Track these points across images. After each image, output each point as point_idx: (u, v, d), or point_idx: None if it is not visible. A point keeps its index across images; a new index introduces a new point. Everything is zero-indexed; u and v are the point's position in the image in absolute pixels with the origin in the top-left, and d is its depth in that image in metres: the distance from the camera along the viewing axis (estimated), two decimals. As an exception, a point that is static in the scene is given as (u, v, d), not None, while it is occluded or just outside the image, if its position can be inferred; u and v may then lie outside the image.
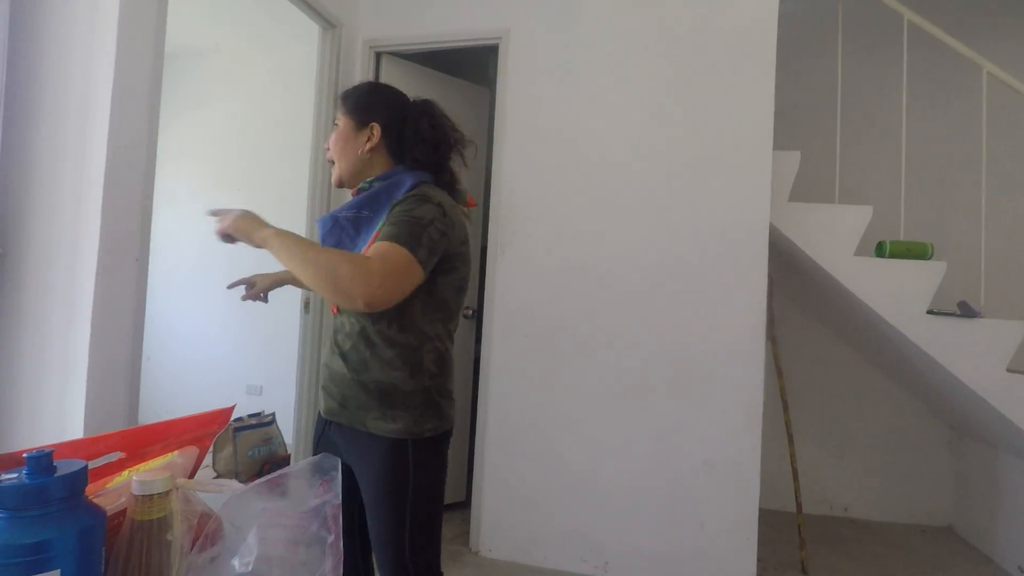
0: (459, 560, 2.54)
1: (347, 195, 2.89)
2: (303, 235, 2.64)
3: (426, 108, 1.31)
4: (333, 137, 1.30)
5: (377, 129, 1.26)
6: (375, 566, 1.27)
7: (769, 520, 2.93)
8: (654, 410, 2.43)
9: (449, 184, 1.31)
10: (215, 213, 1.21)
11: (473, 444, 2.72)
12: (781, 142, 2.47)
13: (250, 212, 1.19)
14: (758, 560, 2.33)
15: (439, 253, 1.17)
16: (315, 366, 2.65)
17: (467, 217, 1.31)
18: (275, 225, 1.16)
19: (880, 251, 2.53)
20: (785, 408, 2.74)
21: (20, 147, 1.58)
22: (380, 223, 1.18)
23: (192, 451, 0.66)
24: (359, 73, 2.82)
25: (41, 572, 0.42)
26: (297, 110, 3.24)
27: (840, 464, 3.38)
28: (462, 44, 2.78)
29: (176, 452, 0.65)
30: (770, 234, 2.40)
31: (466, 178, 3.17)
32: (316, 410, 2.65)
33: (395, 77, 2.91)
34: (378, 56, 2.86)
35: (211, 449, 3.12)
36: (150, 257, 1.72)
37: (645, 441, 2.43)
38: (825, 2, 2.87)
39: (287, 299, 3.43)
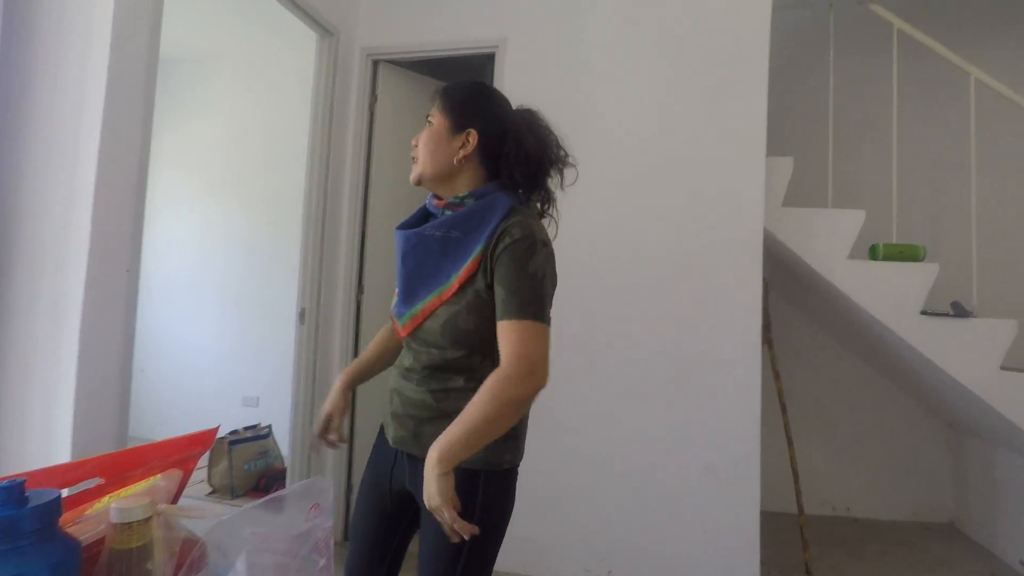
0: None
1: (341, 204, 2.84)
2: (300, 243, 2.66)
3: (531, 120, 1.21)
4: (425, 135, 1.18)
5: (474, 136, 1.15)
6: None
7: (771, 522, 2.91)
8: (654, 415, 2.42)
9: (542, 207, 1.23)
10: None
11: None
12: (775, 148, 2.48)
13: (432, 479, 1.02)
14: (761, 563, 2.32)
15: (551, 297, 1.13)
16: (311, 376, 2.63)
17: None
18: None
19: (873, 254, 2.54)
20: (783, 411, 2.73)
21: (9, 154, 1.55)
22: (476, 250, 1.10)
23: (175, 474, 0.65)
24: (356, 81, 2.82)
25: (12, 609, 0.41)
26: (294, 118, 3.23)
27: (841, 464, 3.38)
28: (459, 52, 2.78)
29: (159, 476, 0.63)
30: (765, 239, 2.40)
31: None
32: (309, 422, 2.64)
33: (392, 85, 2.91)
34: (375, 64, 2.86)
35: (206, 463, 3.11)
36: (143, 267, 1.70)
37: (646, 446, 2.42)
38: (818, 11, 2.89)
39: (283, 308, 3.43)
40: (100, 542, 0.53)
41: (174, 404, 3.99)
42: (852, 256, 2.49)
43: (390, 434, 1.21)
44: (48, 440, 1.42)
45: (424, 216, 1.23)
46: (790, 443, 2.73)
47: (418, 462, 1.13)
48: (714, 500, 2.35)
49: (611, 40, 2.56)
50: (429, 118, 1.20)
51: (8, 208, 1.54)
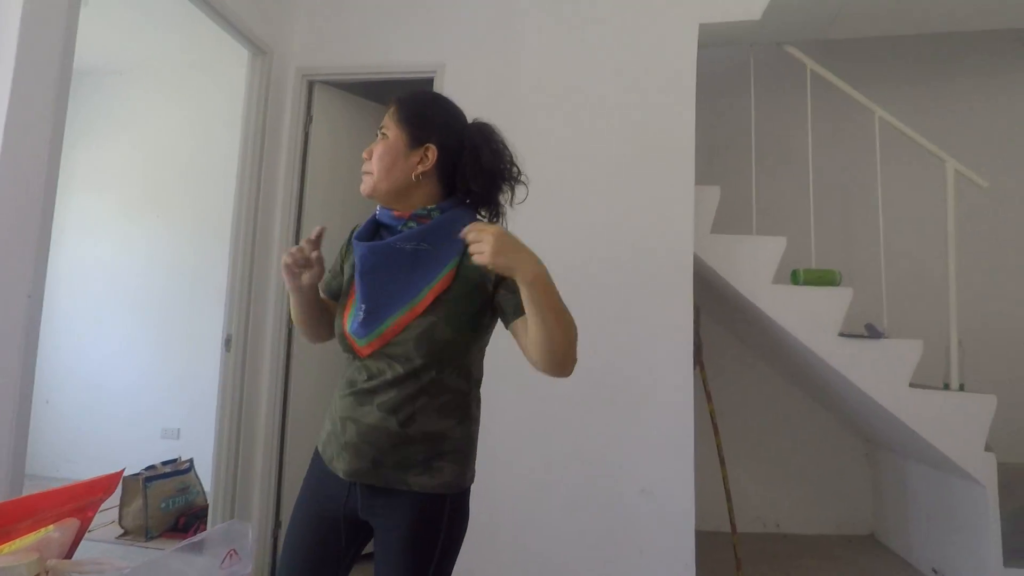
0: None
1: (273, 226, 2.75)
2: (227, 266, 2.54)
3: (487, 134, 1.20)
4: (380, 148, 1.14)
5: (433, 152, 1.13)
6: None
7: (706, 542, 2.96)
8: (589, 439, 2.44)
9: (491, 222, 1.21)
10: (470, 231, 1.01)
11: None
12: (703, 177, 2.59)
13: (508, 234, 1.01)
14: (696, 583, 2.36)
15: None
16: (237, 407, 2.50)
17: None
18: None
19: (795, 279, 2.68)
20: (716, 431, 2.81)
21: None
22: (450, 263, 1.10)
23: (72, 523, 0.59)
24: (291, 101, 2.75)
25: None
26: (223, 135, 3.11)
27: (770, 482, 3.50)
28: (398, 76, 2.77)
29: (52, 527, 0.57)
30: (695, 263, 2.49)
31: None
32: (234, 454, 2.49)
33: (328, 106, 2.86)
34: (311, 84, 2.81)
35: (118, 502, 2.87)
36: (52, 290, 1.57)
37: (581, 470, 2.43)
38: (740, 50, 3.07)
39: (208, 335, 3.25)
40: (-23, 606, 0.47)
41: (85, 438, 3.69)
42: (775, 281, 2.62)
43: (341, 467, 1.11)
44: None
45: (377, 227, 1.18)
46: (722, 463, 2.80)
47: (378, 492, 1.09)
48: (650, 522, 2.37)
49: (546, 71, 2.63)
50: (383, 130, 1.16)
51: None
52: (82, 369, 3.80)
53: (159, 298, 3.81)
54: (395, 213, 1.14)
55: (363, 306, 1.11)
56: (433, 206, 1.14)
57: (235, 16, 2.37)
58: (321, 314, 1.24)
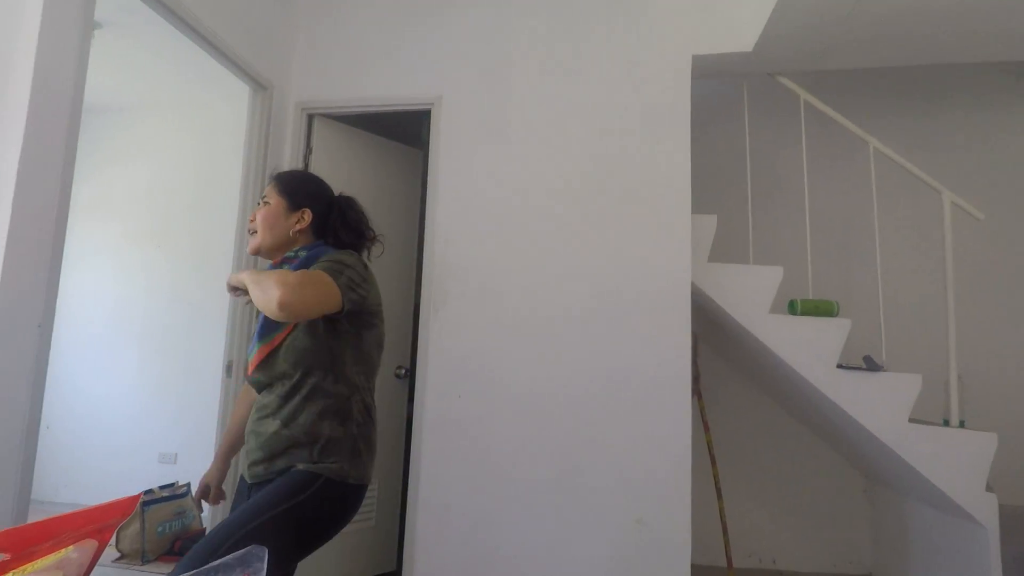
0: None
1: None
2: (228, 296, 2.57)
3: (351, 203, 1.49)
4: (264, 212, 1.41)
5: (308, 214, 1.42)
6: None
7: (701, 576, 2.94)
8: (585, 467, 2.44)
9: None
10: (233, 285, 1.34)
11: (404, 509, 2.62)
12: (699, 206, 2.63)
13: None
14: (691, 618, 2.33)
15: (360, 295, 1.30)
16: (236, 432, 2.50)
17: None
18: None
19: (792, 309, 2.71)
20: (713, 463, 2.81)
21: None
22: None
23: (90, 544, 0.61)
24: (291, 134, 2.82)
25: None
26: (224, 169, 3.18)
27: (767, 516, 3.46)
28: (395, 108, 2.84)
29: (71, 548, 0.60)
30: (693, 292, 2.52)
31: (399, 238, 3.19)
32: (236, 480, 2.49)
33: (328, 138, 2.92)
34: (310, 118, 2.88)
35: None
36: (59, 311, 1.61)
37: (577, 499, 2.43)
38: (734, 81, 3.15)
39: (207, 361, 3.27)
40: (0, 625, 0.49)
41: (82, 462, 3.69)
42: (773, 310, 2.64)
43: (247, 473, 1.32)
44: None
45: None
46: (719, 495, 2.79)
47: (263, 486, 1.28)
48: (646, 553, 2.36)
49: (542, 101, 2.70)
50: (265, 199, 1.43)
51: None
52: (82, 395, 3.82)
53: (159, 326, 3.84)
54: (272, 262, 1.42)
55: (255, 332, 1.37)
56: (300, 247, 1.41)
57: (235, 54, 2.44)
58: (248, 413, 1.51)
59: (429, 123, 2.80)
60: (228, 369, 2.51)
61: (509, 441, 2.50)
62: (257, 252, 1.42)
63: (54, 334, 1.60)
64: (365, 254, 1.49)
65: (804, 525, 3.43)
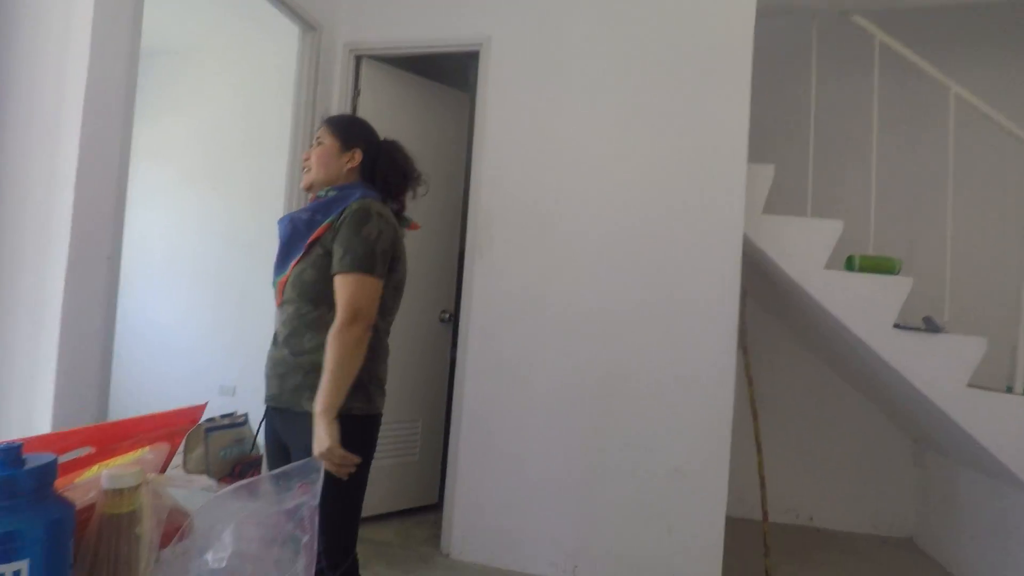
0: (430, 562, 2.53)
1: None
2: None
3: (396, 146, 1.57)
4: (318, 151, 1.49)
5: (359, 154, 1.51)
6: None
7: (736, 528, 2.97)
8: (626, 416, 2.46)
9: (398, 211, 1.54)
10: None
11: (446, 447, 2.72)
12: (756, 155, 2.53)
13: (315, 432, 1.27)
14: (724, 567, 2.37)
15: (387, 257, 1.38)
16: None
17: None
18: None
19: (850, 265, 2.60)
20: (755, 417, 2.79)
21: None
22: (326, 222, 1.39)
23: (163, 447, 0.66)
24: (339, 76, 2.82)
25: (10, 562, 0.42)
26: (275, 111, 3.21)
27: (807, 473, 3.44)
28: (443, 50, 2.79)
29: (147, 448, 0.64)
30: (744, 245, 2.45)
31: (444, 182, 3.19)
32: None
33: (375, 81, 2.91)
34: (358, 59, 2.86)
35: (182, 449, 3.07)
36: (125, 251, 1.70)
37: (617, 447, 2.46)
38: (800, 21, 2.95)
39: (261, 299, 3.40)
40: (90, 508, 0.54)
41: (150, 392, 3.94)
42: (829, 266, 2.55)
43: (265, 394, 1.44)
44: (28, 424, 1.42)
45: None
46: (759, 449, 2.78)
47: (283, 413, 1.40)
48: (681, 503, 2.39)
49: (593, 44, 2.59)
50: (319, 139, 1.51)
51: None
52: (147, 330, 4.04)
53: (216, 265, 3.99)
54: (310, 199, 1.51)
55: (274, 264, 1.48)
56: (331, 187, 1.47)
57: (286, -5, 2.44)
58: None
59: (477, 66, 2.74)
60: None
61: (550, 386, 2.54)
62: (310, 187, 1.51)
63: (121, 273, 1.69)
64: (411, 194, 1.57)
65: (845, 485, 3.40)
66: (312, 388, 1.31)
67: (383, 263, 1.36)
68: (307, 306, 1.38)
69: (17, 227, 1.51)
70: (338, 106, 2.80)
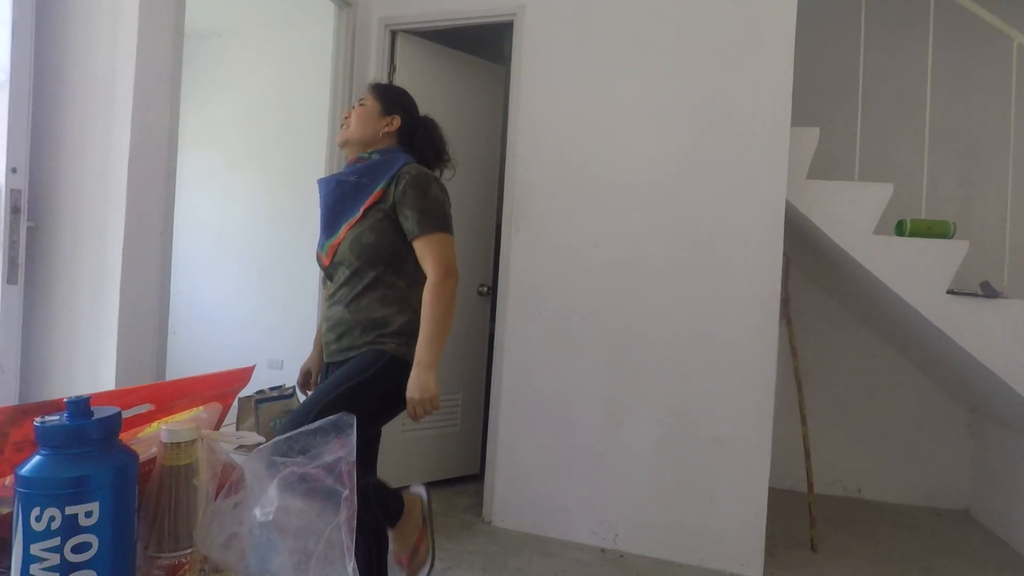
0: (472, 529, 2.61)
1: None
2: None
3: (435, 124, 1.64)
4: (359, 111, 1.55)
5: (397, 121, 1.56)
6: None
7: (781, 500, 2.94)
8: (666, 386, 2.46)
9: None
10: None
11: (487, 418, 2.77)
12: (801, 118, 2.44)
13: (417, 378, 1.38)
14: (767, 537, 2.36)
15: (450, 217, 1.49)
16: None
17: None
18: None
19: (900, 230, 2.50)
20: (799, 387, 2.74)
21: (50, 127, 1.64)
22: (379, 186, 1.46)
23: (216, 407, 0.70)
24: (374, 51, 2.84)
25: (81, 503, 0.47)
26: (312, 91, 3.26)
27: (854, 445, 3.37)
28: (477, 21, 2.77)
29: (201, 408, 0.69)
30: (787, 212, 2.38)
31: (480, 155, 3.19)
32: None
33: (410, 55, 2.92)
34: (393, 34, 2.87)
35: (235, 419, 3.24)
36: (176, 235, 1.79)
37: (657, 416, 2.46)
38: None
39: (304, 276, 3.51)
40: (152, 461, 0.58)
41: (204, 367, 4.13)
42: (878, 231, 2.45)
43: (324, 353, 1.52)
44: (93, 381, 1.53)
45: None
46: (803, 421, 2.74)
47: (338, 366, 1.46)
48: (722, 472, 2.38)
49: (629, 7, 2.53)
50: (362, 101, 1.57)
51: (52, 176, 1.64)
52: (200, 306, 4.22)
53: (262, 244, 4.12)
54: (349, 160, 1.56)
55: (321, 225, 1.53)
56: (373, 150, 1.53)
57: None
58: None
59: (512, 36, 2.72)
60: (323, 281, 2.68)
61: (588, 357, 2.55)
62: (345, 143, 1.57)
63: (176, 252, 1.77)
64: (437, 173, 1.61)
65: (895, 456, 3.32)
66: (371, 342, 1.42)
67: (448, 216, 1.47)
68: (366, 267, 1.44)
69: (78, 204, 1.62)
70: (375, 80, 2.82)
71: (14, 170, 1.49)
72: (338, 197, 1.50)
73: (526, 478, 2.62)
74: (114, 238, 1.57)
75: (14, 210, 1.49)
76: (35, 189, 1.59)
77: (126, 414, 0.60)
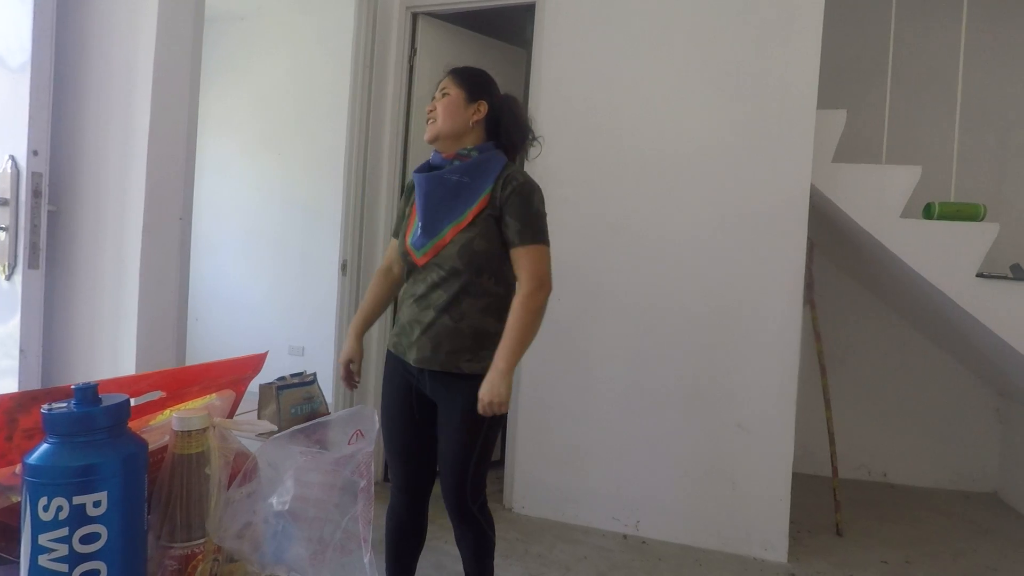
0: (493, 516, 2.61)
1: (381, 158, 2.86)
2: (341, 197, 2.72)
3: (517, 100, 1.57)
4: (445, 102, 1.48)
5: (485, 106, 1.49)
6: (441, 483, 1.52)
7: (805, 484, 2.91)
8: (688, 371, 2.42)
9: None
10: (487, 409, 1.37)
11: (505, 405, 2.76)
12: (827, 101, 2.36)
13: (492, 383, 1.36)
14: (791, 522, 2.33)
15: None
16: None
17: None
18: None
19: (928, 213, 2.43)
20: (823, 372, 2.69)
21: (70, 111, 1.64)
22: (484, 191, 1.43)
23: (229, 395, 0.69)
24: (395, 35, 2.80)
25: (90, 492, 0.46)
26: (333, 74, 3.24)
27: (880, 430, 3.32)
28: (499, 3, 2.73)
29: (214, 395, 0.68)
30: (813, 196, 2.32)
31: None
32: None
33: (432, 38, 2.88)
34: (414, 17, 2.83)
35: (257, 406, 3.29)
36: (198, 221, 1.79)
37: (679, 401, 2.43)
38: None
39: (325, 261, 3.52)
40: (163, 450, 0.57)
41: (228, 351, 4.17)
42: (905, 215, 2.39)
43: (412, 356, 1.47)
44: (115, 368, 1.54)
45: (430, 168, 1.51)
46: (828, 405, 2.69)
47: (438, 376, 1.46)
48: (745, 457, 2.35)
49: (657, -12, 2.46)
50: (444, 90, 1.50)
51: (72, 160, 1.64)
52: (222, 293, 4.26)
53: (282, 230, 4.14)
54: (444, 155, 1.48)
55: (420, 223, 1.46)
56: (472, 147, 1.48)
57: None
58: (387, 303, 1.73)
59: (533, 19, 2.67)
60: (343, 268, 2.68)
61: (609, 343, 2.52)
62: (435, 139, 1.49)
63: (197, 238, 1.78)
64: (524, 153, 1.59)
65: (922, 440, 3.27)
66: (471, 351, 1.42)
67: (548, 234, 1.46)
68: (472, 274, 1.41)
69: (98, 189, 1.63)
70: (395, 66, 2.79)
71: (35, 152, 1.49)
72: (442, 196, 1.44)
73: (548, 465, 2.61)
74: (134, 223, 1.57)
75: (35, 194, 1.49)
76: (56, 173, 1.60)
77: (137, 401, 0.59)
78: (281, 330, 4.14)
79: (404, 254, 1.51)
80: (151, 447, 0.58)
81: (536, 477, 2.62)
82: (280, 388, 3.44)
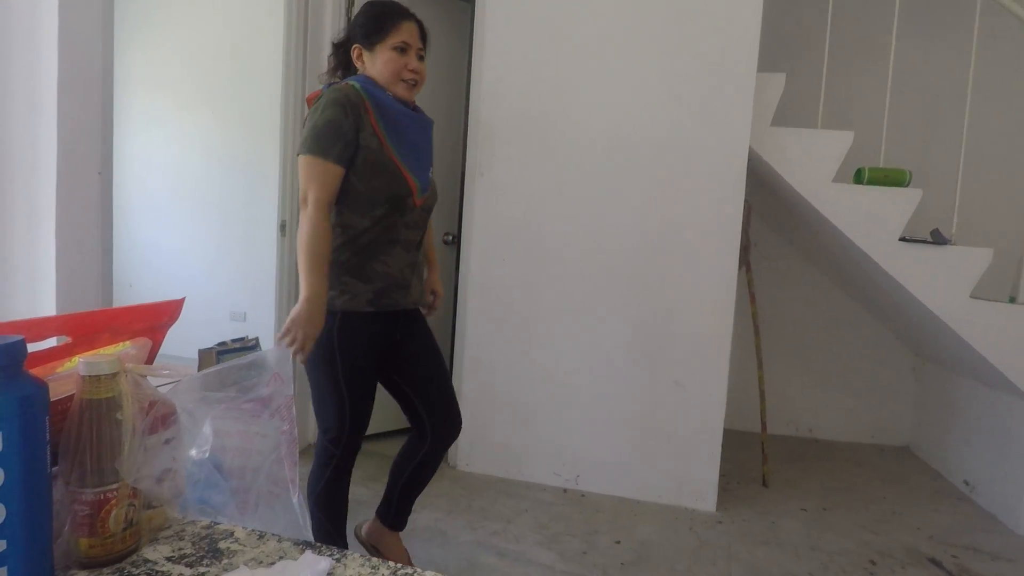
0: (438, 474, 2.64)
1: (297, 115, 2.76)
2: (278, 155, 2.62)
3: None
4: (424, 67, 1.54)
5: None
6: (442, 400, 1.70)
7: (737, 440, 3.07)
8: (629, 330, 2.49)
9: None
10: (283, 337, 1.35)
11: (452, 365, 2.78)
12: (767, 64, 2.41)
13: (299, 312, 1.35)
14: (721, 475, 2.46)
15: (345, 144, 1.38)
16: (295, 289, 2.65)
17: None
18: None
19: (859, 178, 2.54)
20: (756, 333, 2.81)
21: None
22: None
23: (145, 342, 0.67)
24: (331, -13, 2.67)
25: (-18, 433, 0.44)
26: (265, 31, 3.09)
27: (808, 388, 3.51)
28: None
29: (128, 343, 0.66)
30: (750, 159, 2.38)
31: (444, 100, 3.08)
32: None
33: (369, -11, 2.76)
34: (351, -35, 2.71)
35: (197, 371, 3.19)
36: (129, 183, 1.69)
37: (619, 360, 2.51)
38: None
39: (265, 223, 3.41)
40: (71, 399, 0.55)
41: (162, 318, 4.03)
42: (838, 179, 2.48)
43: (410, 301, 1.55)
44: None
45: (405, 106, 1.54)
46: (760, 365, 2.82)
47: (413, 312, 1.60)
48: (681, 414, 2.46)
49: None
50: (421, 54, 1.54)
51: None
52: (157, 258, 4.07)
53: (219, 190, 3.97)
54: (409, 103, 1.54)
55: (420, 163, 1.51)
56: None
57: None
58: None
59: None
60: (282, 228, 2.61)
61: (553, 303, 2.56)
62: (413, 97, 1.56)
63: (128, 202, 1.68)
64: None
65: (846, 398, 3.48)
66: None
67: (336, 146, 1.40)
68: (335, 210, 1.47)
69: (4, 141, 1.50)
70: (331, 22, 2.68)
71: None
72: (429, 138, 1.56)
73: (491, 422, 2.65)
74: (46, 177, 1.47)
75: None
76: (-43, 125, 1.48)
77: (40, 346, 0.57)
78: (223, 296, 4.00)
79: (401, 195, 1.44)
80: (60, 396, 0.56)
81: (481, 436, 2.66)
82: (220, 353, 3.34)
